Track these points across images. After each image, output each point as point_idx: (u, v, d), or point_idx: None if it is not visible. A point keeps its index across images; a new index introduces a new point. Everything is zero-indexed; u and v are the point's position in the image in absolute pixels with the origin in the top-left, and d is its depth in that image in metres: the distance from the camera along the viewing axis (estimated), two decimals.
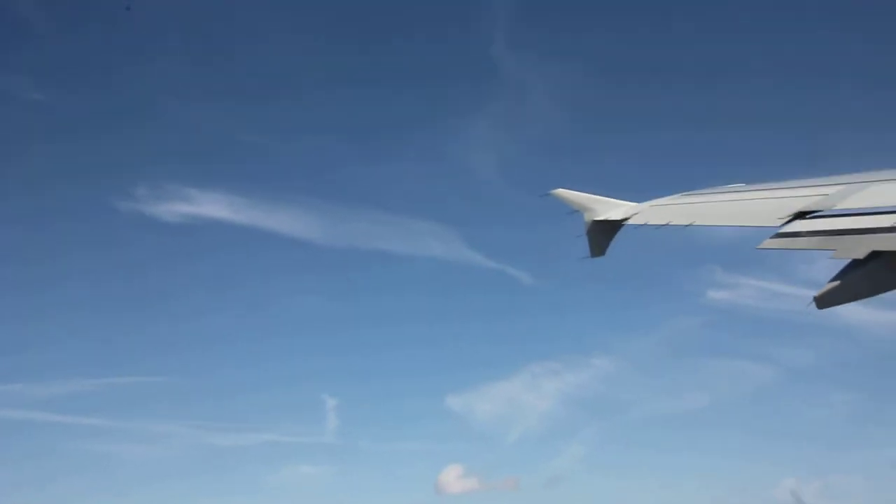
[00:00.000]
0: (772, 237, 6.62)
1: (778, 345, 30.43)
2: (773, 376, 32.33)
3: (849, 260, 6.07)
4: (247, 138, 37.17)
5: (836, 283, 6.07)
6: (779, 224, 6.76)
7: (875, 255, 5.96)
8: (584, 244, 10.08)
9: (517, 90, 36.22)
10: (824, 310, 6.06)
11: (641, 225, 8.60)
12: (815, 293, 6.09)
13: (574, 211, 10.12)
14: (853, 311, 27.96)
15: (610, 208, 9.66)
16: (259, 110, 37.98)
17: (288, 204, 34.59)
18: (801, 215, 6.78)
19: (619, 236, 9.60)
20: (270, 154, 37.75)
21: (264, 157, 37.90)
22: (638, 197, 9.75)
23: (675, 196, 9.00)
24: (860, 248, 6.02)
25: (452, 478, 33.44)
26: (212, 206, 34.71)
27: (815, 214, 6.75)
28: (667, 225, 7.98)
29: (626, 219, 9.07)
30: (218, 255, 35.19)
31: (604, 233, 9.69)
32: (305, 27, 38.98)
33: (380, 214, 34.04)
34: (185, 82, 38.88)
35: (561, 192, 10.42)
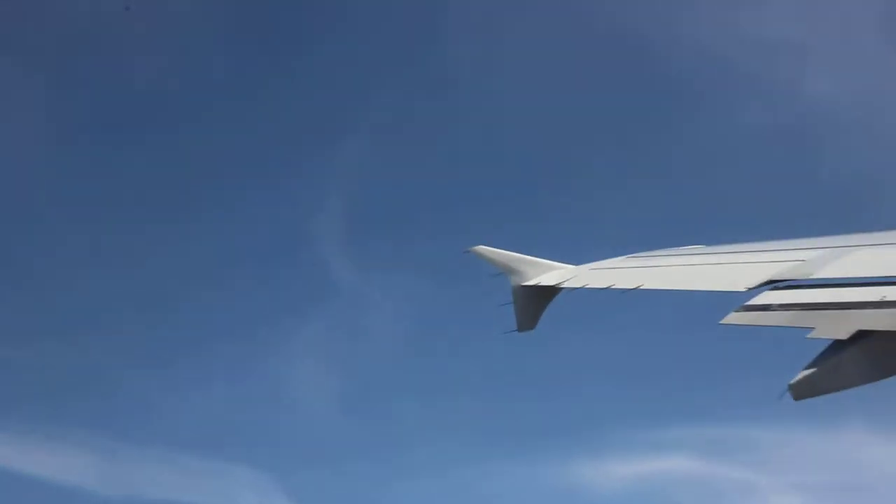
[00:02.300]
0: (737, 310, 5.47)
1: None
2: None
3: (830, 341, 5.00)
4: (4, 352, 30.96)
5: (814, 369, 4.95)
6: (745, 291, 5.63)
7: (861, 336, 4.91)
8: (508, 315, 8.67)
9: (351, 304, 32.15)
10: None
11: (578, 288, 7.33)
12: (790, 380, 4.92)
13: (497, 273, 8.77)
14: None
15: (542, 271, 8.31)
16: (21, 320, 32.30)
17: (55, 440, 27.31)
18: (772, 284, 5.70)
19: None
20: (34, 372, 30.90)
21: (27, 375, 30.83)
22: None
23: (621, 258, 7.81)
24: (844, 327, 4.91)
25: None
26: None
27: (789, 284, 5.69)
28: (609, 288, 6.75)
29: (560, 284, 7.80)
30: None
31: (534, 301, 8.37)
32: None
33: (175, 455, 27.89)
34: None
35: (482, 249, 9.07)
